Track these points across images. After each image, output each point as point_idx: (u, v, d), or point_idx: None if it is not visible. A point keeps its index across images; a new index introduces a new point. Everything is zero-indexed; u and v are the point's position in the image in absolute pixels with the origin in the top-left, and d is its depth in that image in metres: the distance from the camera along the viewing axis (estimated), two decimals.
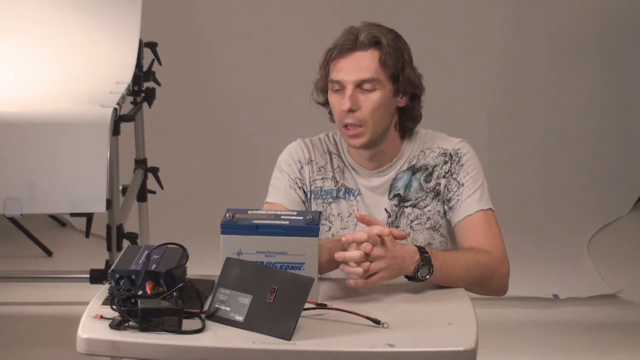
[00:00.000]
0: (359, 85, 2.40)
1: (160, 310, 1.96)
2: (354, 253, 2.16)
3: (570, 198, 5.57)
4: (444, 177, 2.47)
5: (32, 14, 4.05)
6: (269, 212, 2.21)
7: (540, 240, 5.15)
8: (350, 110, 2.40)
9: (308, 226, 2.13)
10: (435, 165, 2.48)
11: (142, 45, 4.07)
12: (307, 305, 2.00)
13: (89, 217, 3.54)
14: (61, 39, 4.01)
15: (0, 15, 4.04)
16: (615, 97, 5.81)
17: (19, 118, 3.48)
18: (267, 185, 2.53)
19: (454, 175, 2.46)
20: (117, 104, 3.55)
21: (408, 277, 2.23)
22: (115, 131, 3.54)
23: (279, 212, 2.22)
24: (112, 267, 2.12)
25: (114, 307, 2.00)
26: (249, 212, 2.19)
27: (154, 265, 2.10)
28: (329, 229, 2.48)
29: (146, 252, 2.14)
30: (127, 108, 3.91)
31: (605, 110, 5.80)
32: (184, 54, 5.49)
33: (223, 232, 2.13)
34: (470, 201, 2.43)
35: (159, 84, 4.24)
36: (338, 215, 2.49)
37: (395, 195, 2.48)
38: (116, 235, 3.68)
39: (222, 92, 5.63)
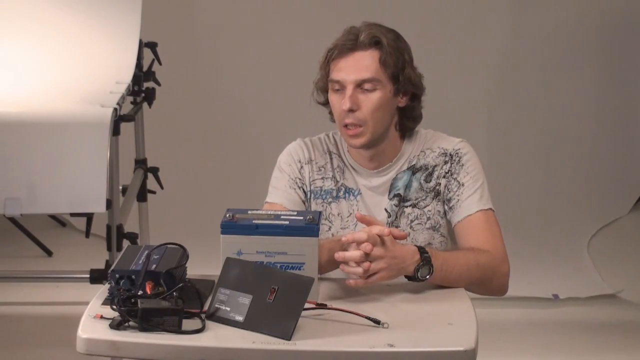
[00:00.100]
0: (359, 85, 2.40)
1: (160, 310, 1.96)
2: (354, 253, 2.16)
3: (570, 198, 5.57)
4: (444, 177, 2.47)
5: (32, 14, 4.05)
6: (269, 212, 2.21)
7: (540, 240, 5.15)
8: (351, 110, 2.40)
9: (308, 226, 2.13)
10: (435, 165, 2.48)
11: (142, 45, 4.07)
12: (307, 305, 2.00)
13: (89, 217, 3.54)
14: (61, 39, 4.01)
15: (0, 15, 4.04)
16: (615, 97, 5.81)
17: (19, 118, 3.48)
18: (267, 185, 2.53)
19: (454, 175, 2.46)
20: (117, 104, 3.55)
21: (408, 277, 2.23)
22: (115, 131, 3.54)
23: (279, 212, 2.22)
24: (112, 267, 2.12)
25: (114, 307, 2.00)
26: (249, 212, 2.19)
27: (154, 265, 2.09)
28: (329, 229, 2.48)
29: (146, 252, 2.14)
30: (127, 108, 3.91)
31: (605, 111, 5.80)
32: (184, 54, 5.50)
33: (223, 232, 2.13)
34: (471, 201, 2.43)
35: (159, 84, 4.24)
36: (338, 215, 2.49)
37: (395, 195, 2.48)
38: (116, 235, 3.68)
39: (222, 92, 5.63)
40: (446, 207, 2.47)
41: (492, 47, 5.69)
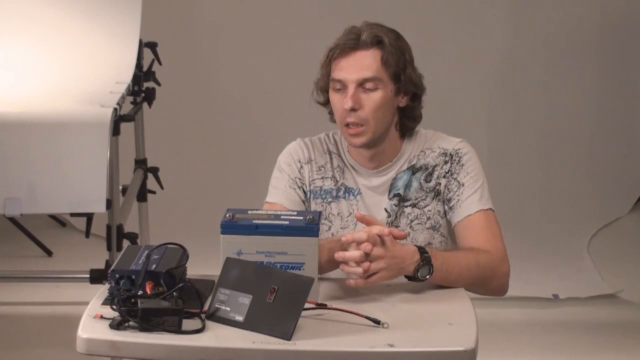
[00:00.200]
0: (361, 84, 2.40)
1: (160, 310, 1.96)
2: (354, 253, 2.15)
3: (570, 198, 5.57)
4: (444, 177, 2.47)
5: (32, 14, 4.05)
6: (269, 212, 2.21)
7: (540, 240, 5.15)
8: (352, 109, 2.40)
9: (308, 226, 2.13)
10: (435, 165, 2.48)
11: (142, 45, 4.07)
12: (307, 305, 2.00)
13: (89, 217, 3.54)
14: (61, 39, 4.01)
15: (0, 15, 4.04)
16: (615, 97, 5.81)
17: (19, 118, 3.48)
18: (267, 185, 2.53)
19: (454, 175, 2.46)
20: (117, 104, 3.55)
21: (408, 277, 2.23)
22: (115, 131, 3.54)
23: (279, 212, 2.22)
24: (112, 267, 2.12)
25: (114, 307, 2.00)
26: (249, 212, 2.19)
27: (154, 265, 2.09)
28: (329, 229, 2.48)
29: (146, 252, 2.14)
30: (127, 108, 3.91)
31: (605, 110, 5.80)
32: (184, 54, 5.50)
33: (223, 232, 2.13)
34: (471, 201, 2.43)
35: (159, 84, 4.24)
36: (338, 214, 2.49)
37: (395, 195, 2.48)
38: (116, 235, 3.68)
39: (222, 92, 5.63)
40: (446, 207, 2.47)
41: (492, 47, 5.70)
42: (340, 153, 2.54)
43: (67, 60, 3.95)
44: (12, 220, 4.73)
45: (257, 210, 2.22)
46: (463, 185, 2.45)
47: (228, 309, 2.01)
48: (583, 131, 5.77)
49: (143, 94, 4.12)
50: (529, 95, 5.74)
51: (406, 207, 2.48)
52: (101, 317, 2.01)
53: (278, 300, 1.98)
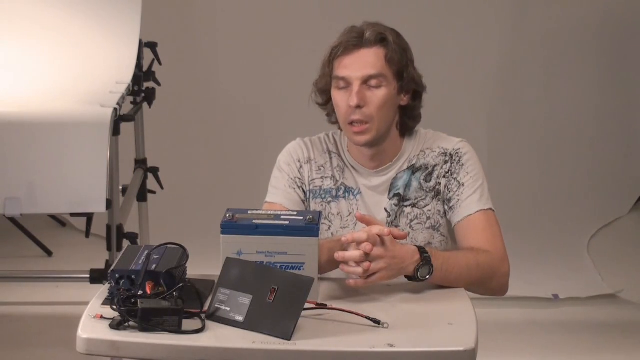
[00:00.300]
0: (365, 81, 2.40)
1: (160, 310, 1.96)
2: (353, 253, 2.15)
3: (570, 198, 5.57)
4: (444, 176, 2.47)
5: (31, 14, 4.04)
6: (269, 212, 2.21)
7: (540, 240, 5.15)
8: (358, 107, 2.39)
9: (308, 226, 2.13)
10: (435, 165, 2.48)
11: (142, 45, 4.07)
12: (307, 305, 2.00)
13: (89, 217, 3.54)
14: (61, 39, 4.01)
15: (0, 15, 4.04)
16: (615, 97, 5.81)
17: (19, 118, 3.48)
18: (267, 185, 2.53)
19: (454, 175, 2.46)
20: (117, 104, 3.55)
21: (408, 277, 2.23)
22: (115, 131, 3.54)
23: (279, 212, 2.22)
24: (112, 267, 2.12)
25: (114, 307, 2.00)
26: (249, 212, 2.19)
27: (154, 265, 2.09)
28: (329, 228, 2.48)
29: (146, 252, 2.14)
30: (127, 108, 3.91)
31: (605, 110, 5.80)
32: (184, 54, 5.50)
33: (223, 232, 2.13)
34: (471, 201, 2.43)
35: (159, 84, 4.24)
36: (338, 214, 2.49)
37: (395, 195, 2.48)
38: (116, 235, 3.68)
39: (222, 92, 5.63)
40: (446, 207, 2.47)
41: (492, 47, 5.70)
42: (340, 153, 2.54)
43: (67, 60, 3.95)
44: (12, 220, 4.73)
45: (257, 210, 2.22)
46: (463, 185, 2.45)
47: (228, 309, 2.01)
48: (583, 131, 5.77)
49: (143, 94, 4.12)
50: (528, 95, 5.74)
51: (406, 206, 2.48)
52: (101, 317, 2.01)
53: (278, 300, 1.98)
